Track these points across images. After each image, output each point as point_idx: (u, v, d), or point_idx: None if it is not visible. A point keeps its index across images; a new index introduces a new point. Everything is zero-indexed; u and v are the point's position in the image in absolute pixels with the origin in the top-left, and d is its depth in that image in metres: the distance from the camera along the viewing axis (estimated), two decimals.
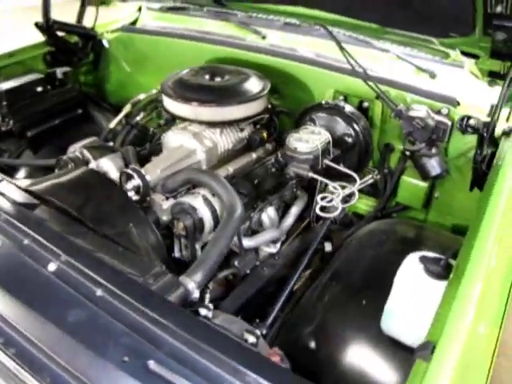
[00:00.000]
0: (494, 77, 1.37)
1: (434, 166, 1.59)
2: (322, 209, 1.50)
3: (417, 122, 1.54)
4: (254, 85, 1.75)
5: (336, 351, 1.23)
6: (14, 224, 1.11)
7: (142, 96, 2.32)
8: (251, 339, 0.94)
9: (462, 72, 1.56)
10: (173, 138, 1.76)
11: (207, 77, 1.83)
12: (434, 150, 1.59)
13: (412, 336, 1.09)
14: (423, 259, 1.09)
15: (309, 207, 1.78)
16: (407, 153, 1.66)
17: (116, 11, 2.63)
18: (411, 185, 1.72)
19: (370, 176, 1.61)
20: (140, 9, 2.59)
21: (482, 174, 1.37)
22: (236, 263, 1.55)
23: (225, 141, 1.79)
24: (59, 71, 2.19)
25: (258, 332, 0.96)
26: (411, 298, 1.07)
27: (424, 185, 1.70)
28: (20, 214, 1.17)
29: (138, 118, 2.33)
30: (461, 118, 1.43)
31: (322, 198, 1.41)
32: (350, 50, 1.96)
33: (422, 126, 1.53)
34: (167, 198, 1.57)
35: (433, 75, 1.76)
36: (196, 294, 1.12)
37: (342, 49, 1.59)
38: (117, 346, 0.89)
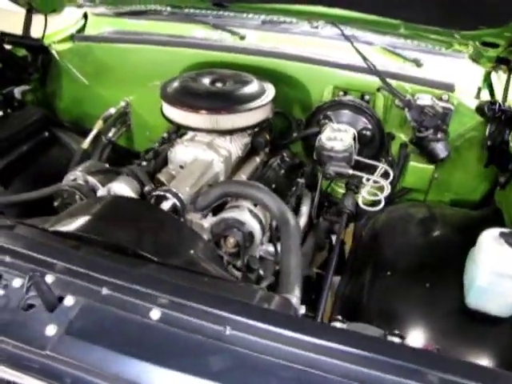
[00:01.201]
0: (501, 63, 1.51)
1: (442, 149, 1.70)
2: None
3: (428, 109, 1.64)
4: (261, 88, 1.71)
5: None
6: (79, 272, 0.96)
7: (112, 110, 2.14)
8: (397, 340, 0.93)
9: (463, 60, 1.70)
10: (184, 152, 1.65)
11: (208, 82, 1.74)
12: (440, 135, 1.71)
13: (503, 307, 1.17)
14: (502, 234, 1.17)
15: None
16: (414, 140, 1.75)
17: (56, 19, 2.36)
18: (418, 169, 1.83)
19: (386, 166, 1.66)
20: (86, 16, 2.36)
21: (500, 152, 1.51)
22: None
23: (235, 148, 1.73)
24: (17, 91, 1.92)
25: (397, 332, 0.95)
26: (499, 271, 1.15)
27: (431, 168, 1.82)
28: (79, 260, 1.02)
29: (110, 134, 2.15)
30: (489, 103, 1.55)
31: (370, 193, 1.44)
32: (334, 44, 2.02)
33: (433, 113, 1.64)
34: (205, 216, 1.48)
35: (419, 64, 1.88)
36: (303, 310, 1.08)
37: (352, 44, 1.62)
38: (283, 381, 0.82)
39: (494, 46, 1.39)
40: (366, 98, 1.82)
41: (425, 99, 1.67)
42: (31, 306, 0.90)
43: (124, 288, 0.94)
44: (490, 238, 1.19)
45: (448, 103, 1.69)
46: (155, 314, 0.88)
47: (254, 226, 1.41)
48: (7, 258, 0.98)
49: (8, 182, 1.81)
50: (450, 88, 1.72)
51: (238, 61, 1.94)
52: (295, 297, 1.09)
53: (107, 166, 1.67)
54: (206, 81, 1.75)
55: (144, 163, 1.79)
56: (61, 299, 0.91)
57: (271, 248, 1.53)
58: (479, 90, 1.78)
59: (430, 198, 1.97)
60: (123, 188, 1.52)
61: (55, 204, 1.54)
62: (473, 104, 1.72)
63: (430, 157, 1.75)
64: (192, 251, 1.22)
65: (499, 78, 1.85)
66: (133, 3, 2.24)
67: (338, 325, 0.97)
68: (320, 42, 2.01)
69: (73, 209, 1.36)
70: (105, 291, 0.92)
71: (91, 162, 1.67)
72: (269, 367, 0.83)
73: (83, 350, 0.85)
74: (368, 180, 1.47)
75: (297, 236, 1.31)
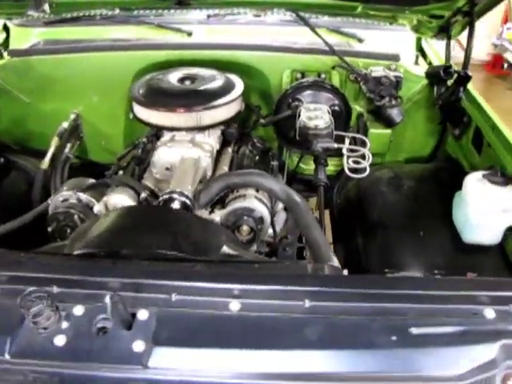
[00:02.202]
0: (442, 31, 1.72)
1: (397, 114, 1.89)
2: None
3: (384, 80, 1.81)
4: (230, 82, 1.75)
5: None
6: (141, 284, 0.97)
7: (65, 124, 2.03)
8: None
9: (404, 32, 1.89)
10: (168, 153, 1.65)
11: (177, 81, 1.74)
12: (394, 102, 1.90)
13: (493, 237, 1.38)
14: (485, 175, 1.37)
15: None
16: (371, 109, 1.93)
17: None
18: (377, 135, 2.01)
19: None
20: (6, 28, 2.18)
21: (452, 108, 1.73)
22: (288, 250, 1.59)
23: (213, 142, 1.76)
24: None
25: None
26: (487, 208, 1.35)
27: (388, 132, 2.01)
28: (134, 274, 1.01)
29: (66, 150, 2.04)
30: (443, 68, 1.75)
31: (354, 162, 1.57)
32: (280, 31, 2.12)
33: (389, 83, 1.82)
34: (211, 211, 1.51)
35: (361, 40, 2.05)
36: (346, 272, 1.18)
37: (312, 29, 1.73)
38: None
39: (440, 17, 1.58)
40: (322, 76, 1.95)
41: (378, 71, 1.85)
42: (103, 329, 0.89)
43: (192, 289, 0.96)
44: (474, 180, 1.39)
45: (397, 72, 1.88)
46: (235, 305, 0.91)
47: (262, 210, 1.48)
48: (55, 289, 0.94)
49: None
50: (396, 58, 1.91)
51: (191, 57, 1.95)
52: (335, 262, 1.19)
53: (92, 180, 1.60)
54: (174, 80, 1.75)
55: (120, 172, 1.76)
56: (133, 315, 0.90)
57: (270, 230, 1.60)
58: (417, 57, 2.01)
59: (387, 159, 2.18)
60: (122, 199, 1.48)
61: (50, 229, 1.46)
62: (416, 70, 1.94)
63: (388, 122, 1.93)
64: (223, 243, 1.26)
65: (428, 44, 2.10)
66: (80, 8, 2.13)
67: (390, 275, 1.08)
68: (266, 30, 2.10)
69: (84, 229, 1.31)
70: (174, 297, 0.93)
71: (74, 180, 1.59)
72: (355, 326, 0.91)
73: (181, 355, 0.85)
74: (351, 151, 1.59)
75: (309, 212, 1.40)
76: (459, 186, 1.49)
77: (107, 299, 0.87)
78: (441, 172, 1.87)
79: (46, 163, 1.91)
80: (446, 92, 1.74)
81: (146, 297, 0.94)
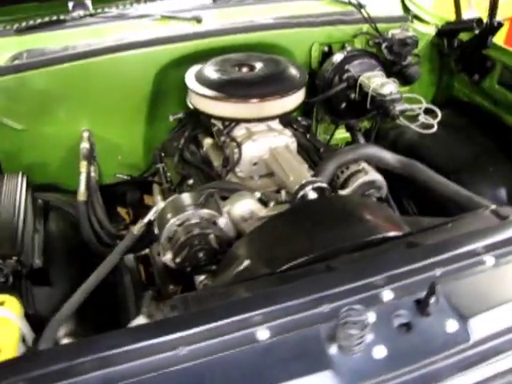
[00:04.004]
0: None
1: (416, 71, 2.03)
2: None
3: (409, 41, 1.93)
4: (293, 69, 1.68)
5: None
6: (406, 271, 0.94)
7: (86, 145, 1.74)
8: None
9: None
10: (255, 147, 1.56)
11: (237, 70, 1.62)
12: (412, 60, 2.03)
13: None
14: None
15: None
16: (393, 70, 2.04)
17: None
18: None
19: None
20: None
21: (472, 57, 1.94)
22: None
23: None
24: None
25: None
26: None
27: (406, 89, 2.13)
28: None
29: (92, 174, 1.75)
30: (476, 21, 1.89)
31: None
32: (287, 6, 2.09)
33: (412, 43, 1.94)
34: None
35: (361, 6, 2.13)
36: None
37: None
38: None
39: None
40: (346, 45, 1.99)
41: (399, 33, 1.95)
42: (406, 325, 0.86)
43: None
44: None
45: (410, 31, 2.01)
46: None
47: (380, 179, 1.49)
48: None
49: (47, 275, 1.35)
50: (405, 19, 2.04)
51: (219, 44, 1.82)
52: (493, 205, 1.25)
53: (188, 195, 1.41)
54: (234, 68, 1.62)
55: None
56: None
57: None
58: (413, 16, 2.16)
59: None
60: (247, 204, 1.36)
61: (178, 260, 1.27)
62: (421, 28, 2.09)
63: (408, 80, 2.06)
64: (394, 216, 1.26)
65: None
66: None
67: None
68: (275, 7, 2.04)
69: (249, 246, 1.17)
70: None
71: (173, 200, 1.38)
72: None
73: None
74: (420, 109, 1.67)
75: (428, 170, 1.47)
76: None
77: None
78: (464, 115, 2.04)
79: (82, 194, 1.64)
80: (470, 42, 1.93)
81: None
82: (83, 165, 1.69)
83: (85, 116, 1.81)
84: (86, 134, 1.80)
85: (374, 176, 1.47)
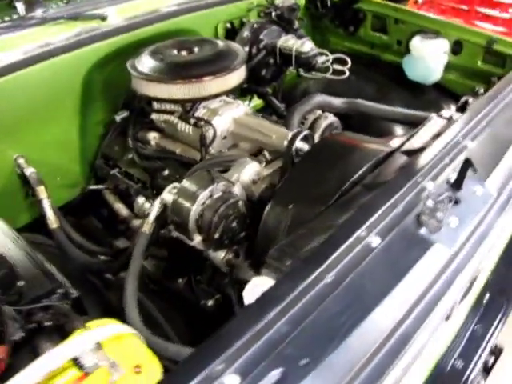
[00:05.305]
0: None
1: (303, 33, 2.31)
2: None
3: (294, 6, 2.17)
4: (230, 43, 1.77)
5: None
6: None
7: (32, 170, 1.58)
8: None
9: None
10: (223, 120, 1.63)
11: (176, 53, 1.65)
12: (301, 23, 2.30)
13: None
14: (423, 36, 2.01)
15: None
16: None
17: None
18: None
19: None
20: None
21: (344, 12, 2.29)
22: None
23: None
24: None
25: None
26: (436, 54, 2.01)
27: None
28: None
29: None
30: None
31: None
32: None
33: (297, 8, 2.20)
34: None
35: None
36: None
37: None
38: None
39: None
40: (244, 20, 2.15)
41: (285, 0, 2.19)
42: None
43: None
44: (419, 41, 2.02)
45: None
46: None
47: (336, 119, 1.71)
48: None
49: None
50: None
51: (134, 38, 1.80)
52: None
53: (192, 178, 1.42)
54: (174, 52, 1.65)
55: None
56: None
57: None
58: None
59: None
60: (253, 167, 1.44)
61: (217, 235, 1.29)
62: None
63: None
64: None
65: None
66: None
67: None
68: None
69: (289, 194, 1.27)
70: None
71: (181, 187, 1.37)
72: None
73: None
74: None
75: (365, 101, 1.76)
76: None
77: None
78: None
79: (54, 220, 1.54)
80: (342, 0, 2.27)
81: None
82: (41, 190, 1.53)
83: (13, 142, 1.61)
84: (21, 160, 1.61)
85: (332, 118, 1.69)
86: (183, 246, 1.47)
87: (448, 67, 2.06)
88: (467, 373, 1.39)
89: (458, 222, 1.03)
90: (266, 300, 0.83)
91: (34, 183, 1.54)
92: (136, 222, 1.70)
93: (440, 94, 2.13)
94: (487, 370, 1.49)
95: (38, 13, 1.71)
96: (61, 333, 0.91)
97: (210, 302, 1.50)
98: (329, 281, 0.88)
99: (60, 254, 1.48)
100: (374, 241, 0.96)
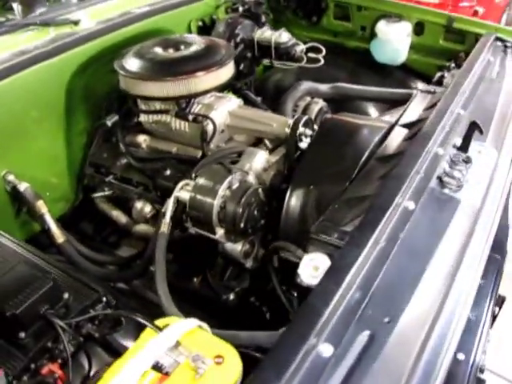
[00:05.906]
0: None
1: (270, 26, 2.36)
2: None
3: (261, 0, 2.22)
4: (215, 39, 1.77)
5: None
6: None
7: (25, 185, 1.50)
8: None
9: None
10: (219, 115, 1.63)
11: (162, 52, 1.63)
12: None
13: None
14: (388, 20, 2.13)
15: None
16: None
17: None
18: None
19: None
20: None
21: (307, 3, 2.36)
22: None
23: None
24: None
25: None
26: (401, 36, 2.13)
27: None
28: None
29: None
30: None
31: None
32: None
33: (263, 2, 2.24)
34: None
35: None
36: None
37: None
38: None
39: None
40: (214, 17, 2.15)
41: None
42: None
43: None
44: (384, 26, 2.13)
45: None
46: None
47: (325, 104, 1.80)
48: None
49: None
50: None
51: (111, 41, 1.75)
52: None
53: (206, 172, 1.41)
54: (160, 50, 1.62)
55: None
56: None
57: None
58: None
59: None
60: (263, 155, 1.47)
61: (242, 224, 1.30)
62: None
63: None
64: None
65: None
66: None
67: None
68: None
69: (307, 175, 1.31)
70: None
71: (196, 183, 1.36)
72: None
73: None
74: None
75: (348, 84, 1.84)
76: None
77: None
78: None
79: (60, 235, 1.48)
80: None
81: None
82: (41, 205, 1.46)
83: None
84: (11, 177, 1.52)
85: (322, 103, 1.75)
86: (196, 243, 1.47)
87: (412, 48, 2.19)
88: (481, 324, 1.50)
89: (474, 178, 1.12)
90: (337, 270, 0.86)
91: (31, 198, 1.47)
92: (138, 228, 1.66)
93: (407, 74, 2.26)
94: (494, 318, 1.61)
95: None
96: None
97: (232, 296, 1.50)
98: (383, 245, 0.93)
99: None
100: (410, 205, 1.02)
